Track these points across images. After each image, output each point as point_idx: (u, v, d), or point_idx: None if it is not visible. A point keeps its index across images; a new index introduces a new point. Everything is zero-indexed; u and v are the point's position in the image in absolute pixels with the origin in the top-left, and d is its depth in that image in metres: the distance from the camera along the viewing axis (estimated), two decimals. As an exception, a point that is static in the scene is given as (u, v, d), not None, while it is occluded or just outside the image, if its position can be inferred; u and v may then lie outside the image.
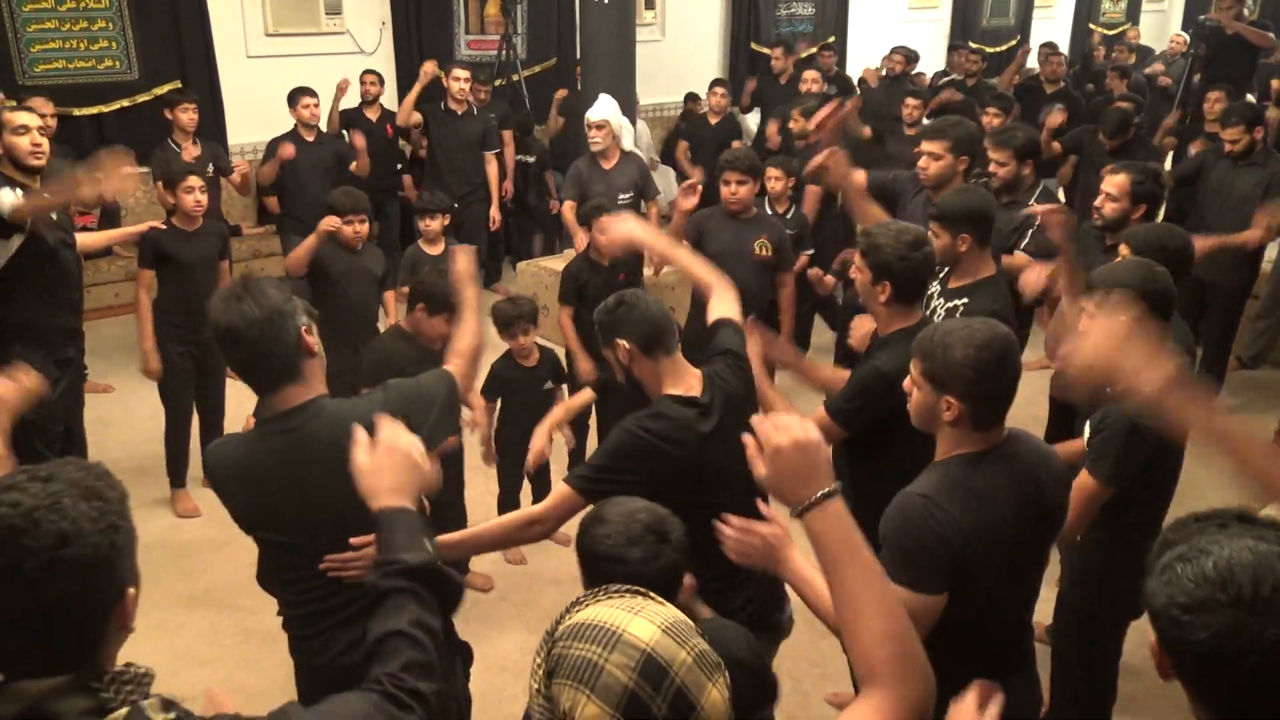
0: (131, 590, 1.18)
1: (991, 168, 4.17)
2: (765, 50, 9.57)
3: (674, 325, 2.42)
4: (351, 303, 4.32)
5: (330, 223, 4.20)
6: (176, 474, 4.48)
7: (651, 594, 1.28)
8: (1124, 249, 3.00)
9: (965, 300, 3.11)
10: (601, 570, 1.70)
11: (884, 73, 8.35)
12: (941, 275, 3.23)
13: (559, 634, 1.21)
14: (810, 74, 7.11)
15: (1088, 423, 2.60)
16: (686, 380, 2.40)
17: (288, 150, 5.88)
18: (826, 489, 1.35)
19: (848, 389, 2.70)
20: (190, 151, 5.73)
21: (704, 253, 4.32)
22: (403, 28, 7.86)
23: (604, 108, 5.30)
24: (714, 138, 7.40)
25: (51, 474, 1.15)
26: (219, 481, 2.16)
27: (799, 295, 4.71)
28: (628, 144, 5.47)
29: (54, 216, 3.73)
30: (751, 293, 4.19)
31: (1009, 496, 1.93)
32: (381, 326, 4.50)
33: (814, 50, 10.25)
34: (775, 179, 4.90)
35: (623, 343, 2.37)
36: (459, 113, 6.50)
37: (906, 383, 2.04)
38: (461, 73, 6.46)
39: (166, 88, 6.73)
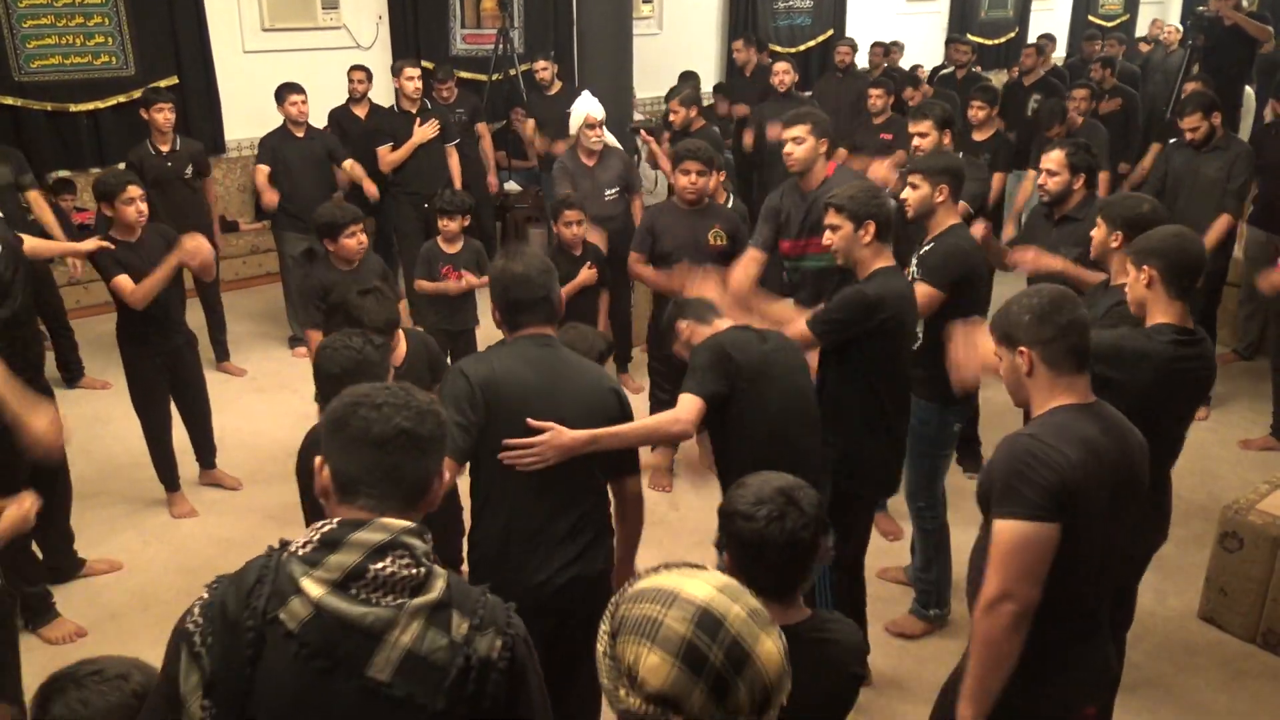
0: (446, 473, 1.53)
1: (915, 141, 4.45)
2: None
3: (713, 303, 2.97)
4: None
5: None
6: (168, 479, 4.44)
7: (703, 566, 1.35)
8: (1100, 222, 3.14)
9: (930, 245, 3.44)
10: (732, 525, 1.81)
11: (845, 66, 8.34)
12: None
13: (621, 600, 1.31)
14: (781, 66, 7.00)
15: None
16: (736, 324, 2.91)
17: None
18: None
19: (832, 306, 3.03)
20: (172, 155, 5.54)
21: (660, 249, 4.38)
22: (399, 22, 7.85)
23: (598, 105, 5.27)
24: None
25: (403, 384, 1.52)
26: (493, 365, 2.40)
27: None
28: (609, 139, 5.44)
29: None
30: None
31: (1108, 448, 2.02)
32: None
33: (812, 44, 10.27)
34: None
35: (682, 324, 2.90)
36: (413, 111, 6.36)
37: (995, 365, 2.17)
38: (411, 71, 6.30)
39: (163, 83, 6.71)
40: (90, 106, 6.73)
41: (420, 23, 7.93)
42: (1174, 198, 5.17)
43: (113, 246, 4.01)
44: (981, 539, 2.11)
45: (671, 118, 6.01)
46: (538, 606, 2.24)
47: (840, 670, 1.84)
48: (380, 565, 1.34)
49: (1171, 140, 5.59)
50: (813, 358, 3.07)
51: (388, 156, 6.28)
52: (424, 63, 7.27)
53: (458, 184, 6.50)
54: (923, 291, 3.30)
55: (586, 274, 4.66)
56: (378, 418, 1.43)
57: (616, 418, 2.47)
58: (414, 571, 1.36)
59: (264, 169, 5.96)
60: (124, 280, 3.98)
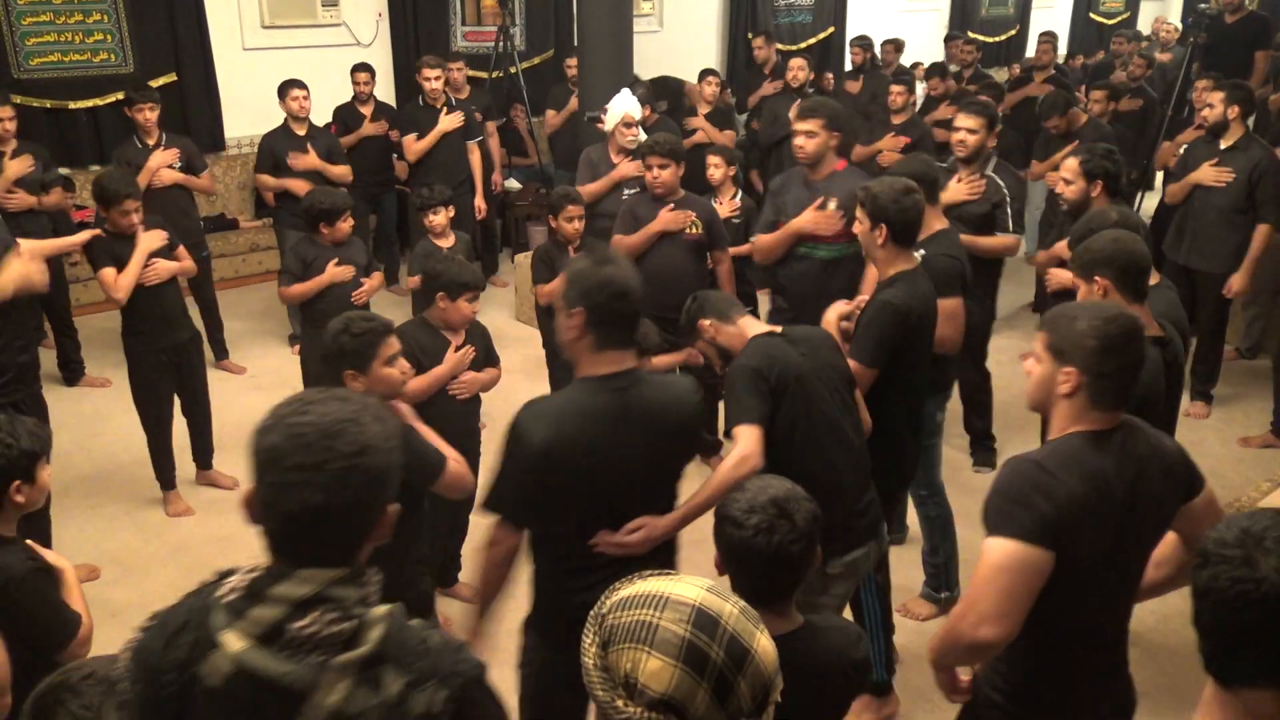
0: (393, 506, 1.34)
1: (960, 135, 4.37)
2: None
3: (736, 299, 2.92)
4: (339, 297, 4.29)
5: (343, 275, 4.24)
6: (165, 477, 4.42)
7: (679, 573, 1.32)
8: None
9: (922, 251, 3.28)
10: (724, 533, 1.76)
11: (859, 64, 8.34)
12: None
13: (606, 610, 1.28)
14: (796, 62, 7.03)
15: None
16: (760, 327, 2.78)
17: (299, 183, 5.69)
18: None
19: (860, 331, 2.96)
20: (162, 155, 5.48)
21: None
22: (399, 19, 7.84)
23: (637, 103, 5.23)
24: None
25: (347, 396, 1.33)
26: (556, 428, 2.14)
27: (741, 277, 4.72)
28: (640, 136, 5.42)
29: None
30: (688, 273, 4.26)
31: (1120, 483, 1.90)
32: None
33: (813, 41, 10.25)
34: (714, 166, 4.90)
35: (705, 322, 2.78)
36: (437, 106, 6.40)
37: (1029, 363, 2.03)
38: (431, 71, 6.33)
39: (162, 80, 6.72)
40: (89, 104, 6.73)
41: (420, 20, 7.92)
42: (1189, 197, 5.13)
43: (104, 236, 4.08)
44: None
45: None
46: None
47: (838, 662, 1.79)
48: (302, 623, 1.23)
49: (1190, 141, 5.53)
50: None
51: (414, 145, 6.31)
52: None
53: (478, 180, 6.52)
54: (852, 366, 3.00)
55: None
56: (288, 486, 1.24)
57: (686, 457, 2.35)
58: (340, 628, 1.24)
59: (265, 178, 5.99)
60: (109, 272, 4.03)
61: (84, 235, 4.11)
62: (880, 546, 2.82)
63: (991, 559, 1.85)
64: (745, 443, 2.46)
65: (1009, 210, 4.33)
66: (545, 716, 2.46)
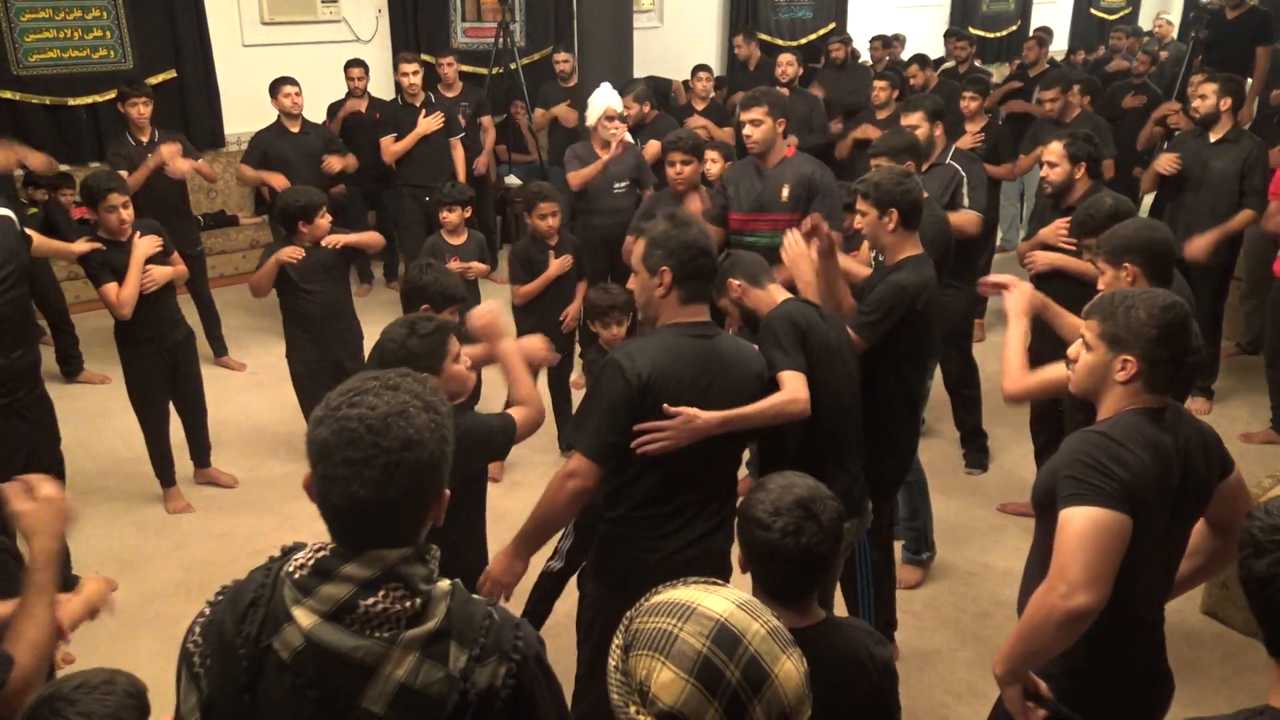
0: (447, 490, 1.36)
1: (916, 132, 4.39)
2: (764, 37, 9.54)
3: (767, 264, 2.90)
4: (319, 297, 4.28)
5: (292, 255, 4.16)
6: (164, 475, 4.39)
7: (722, 583, 1.29)
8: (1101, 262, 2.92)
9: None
10: (747, 532, 1.75)
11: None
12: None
13: (637, 613, 1.26)
14: (785, 58, 6.97)
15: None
16: (788, 296, 2.82)
17: (290, 255, 5.50)
18: None
19: (869, 304, 3.00)
20: (169, 148, 5.35)
21: None
22: (399, 15, 7.83)
23: (618, 97, 5.25)
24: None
25: (397, 384, 1.33)
26: (653, 362, 2.32)
27: None
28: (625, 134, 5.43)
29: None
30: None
31: (1175, 458, 1.95)
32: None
33: (814, 37, 10.23)
34: (712, 161, 4.90)
35: (734, 281, 2.78)
36: (416, 104, 6.36)
37: (1074, 349, 2.07)
38: (408, 66, 6.29)
39: (161, 77, 6.71)
40: (88, 100, 6.72)
41: (420, 16, 7.91)
42: (1180, 189, 5.15)
43: (103, 248, 4.01)
44: (1037, 548, 2.05)
45: (625, 113, 5.97)
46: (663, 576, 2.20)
47: (860, 659, 1.78)
48: (371, 600, 1.27)
49: (1179, 131, 5.54)
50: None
51: (391, 147, 6.28)
52: (424, 56, 7.26)
53: (462, 177, 6.50)
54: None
55: (558, 264, 4.58)
56: (336, 480, 1.27)
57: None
58: (408, 604, 1.28)
59: (246, 169, 5.96)
60: (112, 287, 4.00)
61: (81, 246, 4.02)
62: (863, 523, 2.90)
63: (1077, 527, 1.84)
64: (794, 385, 2.52)
65: (964, 190, 4.44)
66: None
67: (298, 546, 1.36)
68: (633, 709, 1.19)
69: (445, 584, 1.35)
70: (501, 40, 7.67)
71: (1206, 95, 5.03)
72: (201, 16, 6.99)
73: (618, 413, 2.28)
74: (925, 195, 3.47)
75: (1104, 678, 2.01)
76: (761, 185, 4.11)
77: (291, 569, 1.31)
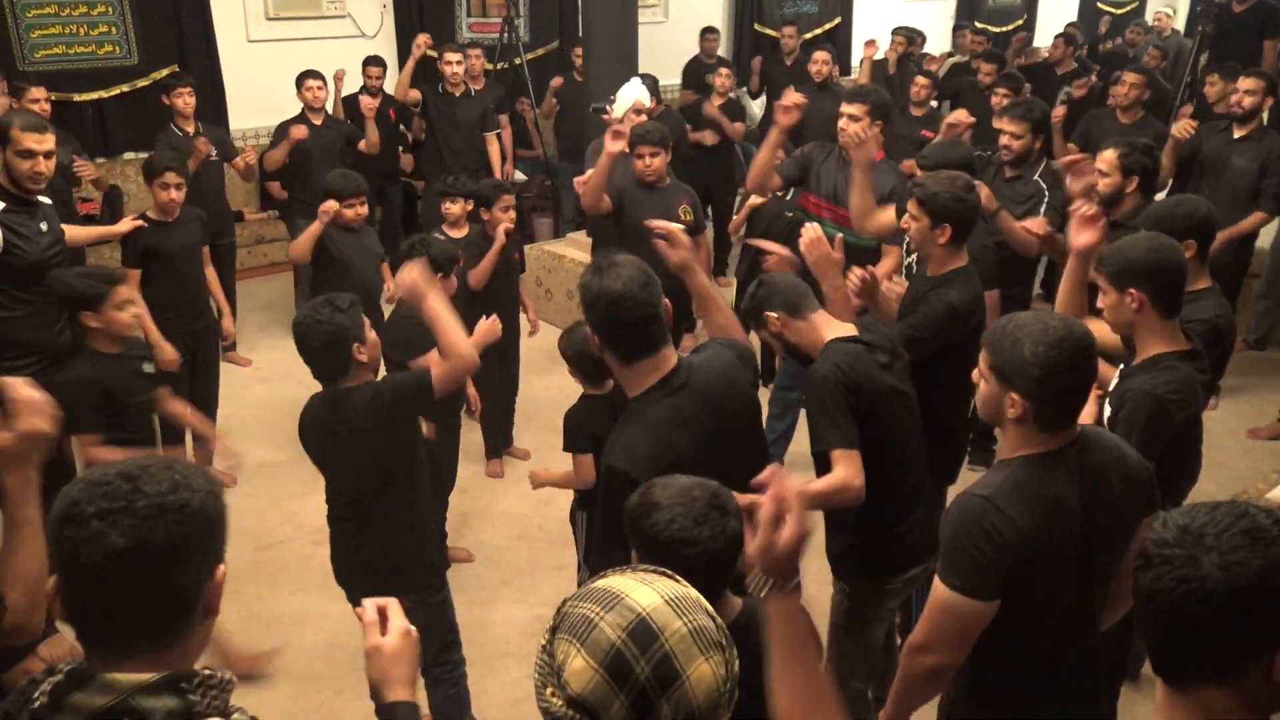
0: (221, 568, 1.21)
1: (1005, 140, 4.26)
2: (770, 31, 9.51)
3: (808, 288, 2.65)
4: (357, 282, 4.29)
5: (329, 206, 4.23)
6: None
7: (676, 576, 1.28)
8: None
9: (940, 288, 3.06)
10: (670, 554, 1.62)
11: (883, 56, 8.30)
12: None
13: (574, 594, 1.25)
14: (820, 55, 6.98)
15: (1106, 402, 2.52)
16: (841, 328, 2.58)
17: (300, 131, 5.81)
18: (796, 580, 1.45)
19: (920, 321, 2.89)
20: (202, 145, 5.46)
21: (627, 222, 4.39)
22: (404, 11, 7.81)
23: (646, 91, 5.22)
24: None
25: (172, 461, 1.21)
26: (653, 458, 2.08)
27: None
28: None
29: (43, 227, 3.51)
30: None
31: (1077, 502, 1.85)
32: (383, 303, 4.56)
33: (819, 31, 10.20)
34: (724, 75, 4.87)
35: (772, 314, 2.58)
36: (456, 94, 6.46)
37: (976, 372, 1.96)
38: (453, 56, 6.39)
39: (166, 72, 6.70)
40: (94, 96, 6.71)
41: (425, 11, 7.90)
42: (1199, 182, 5.10)
43: (146, 225, 4.17)
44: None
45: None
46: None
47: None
48: None
49: (1205, 123, 5.46)
50: None
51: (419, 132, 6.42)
52: (430, 51, 7.26)
53: (497, 173, 6.53)
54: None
55: (501, 234, 4.50)
56: (87, 537, 1.08)
57: (758, 410, 2.42)
58: None
59: (272, 153, 6.02)
60: (133, 275, 4.05)
61: (125, 224, 4.20)
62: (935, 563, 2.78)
63: (935, 600, 1.90)
64: (846, 470, 2.38)
65: (1043, 203, 4.20)
66: None
67: (59, 667, 1.15)
68: (549, 690, 1.18)
69: None
70: (506, 35, 7.66)
71: (1254, 91, 4.93)
72: (206, 12, 6.98)
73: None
74: (998, 208, 3.41)
75: (1012, 711, 1.98)
76: (843, 178, 4.08)
77: (37, 695, 1.11)
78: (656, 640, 1.15)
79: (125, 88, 6.75)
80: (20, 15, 6.34)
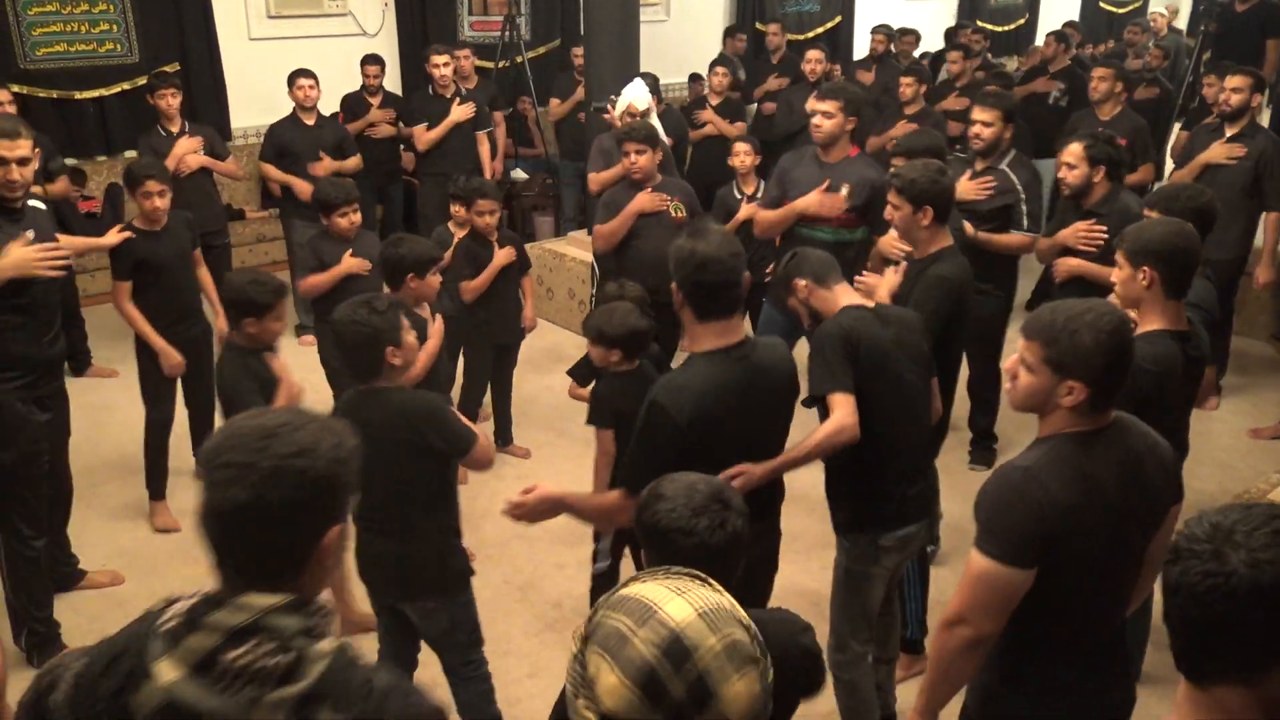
0: (338, 528, 1.28)
1: (975, 129, 4.34)
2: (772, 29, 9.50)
3: (836, 262, 2.84)
4: (356, 291, 4.23)
5: (358, 266, 4.14)
6: (155, 485, 4.28)
7: (709, 580, 1.28)
8: (1148, 212, 3.20)
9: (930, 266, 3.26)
10: (668, 544, 1.67)
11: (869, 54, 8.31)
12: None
13: (605, 602, 1.24)
14: (814, 54, 6.99)
15: None
16: (857, 299, 2.78)
17: (303, 189, 5.69)
18: None
19: (917, 306, 3.03)
20: (187, 143, 5.50)
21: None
22: (405, 9, 7.81)
23: (644, 94, 5.21)
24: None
25: (306, 411, 1.29)
26: (697, 404, 2.31)
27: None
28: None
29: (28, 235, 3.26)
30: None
31: (1115, 480, 1.91)
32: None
33: (820, 30, 10.20)
34: (745, 154, 4.89)
35: (800, 282, 2.74)
36: (446, 96, 6.41)
37: (1011, 363, 2.00)
38: (440, 58, 6.33)
39: (167, 70, 6.70)
40: (95, 94, 6.73)
41: (427, 9, 7.90)
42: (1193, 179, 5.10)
43: (134, 235, 4.00)
44: None
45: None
46: None
47: (787, 648, 1.74)
48: (236, 654, 1.16)
49: (1200, 123, 5.49)
50: None
51: (425, 135, 6.33)
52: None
53: (488, 172, 6.52)
54: None
55: (503, 254, 4.52)
56: (215, 484, 1.20)
57: (793, 405, 2.54)
58: (276, 661, 1.16)
59: (271, 168, 5.97)
60: (124, 287, 3.98)
61: (112, 237, 4.01)
62: (933, 526, 2.94)
63: (972, 572, 1.92)
64: (842, 411, 2.53)
65: (1023, 208, 4.29)
66: None
67: (179, 597, 1.25)
68: (581, 702, 1.18)
69: (328, 644, 1.23)
70: (508, 34, 7.66)
71: (1240, 89, 4.95)
72: (208, 10, 6.99)
73: (667, 454, 2.24)
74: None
75: (1041, 689, 2.01)
76: (819, 177, 4.11)
77: (165, 619, 1.21)
78: (690, 659, 1.15)
79: (126, 86, 6.76)
80: (22, 14, 6.35)
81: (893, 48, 8.40)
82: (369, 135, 6.60)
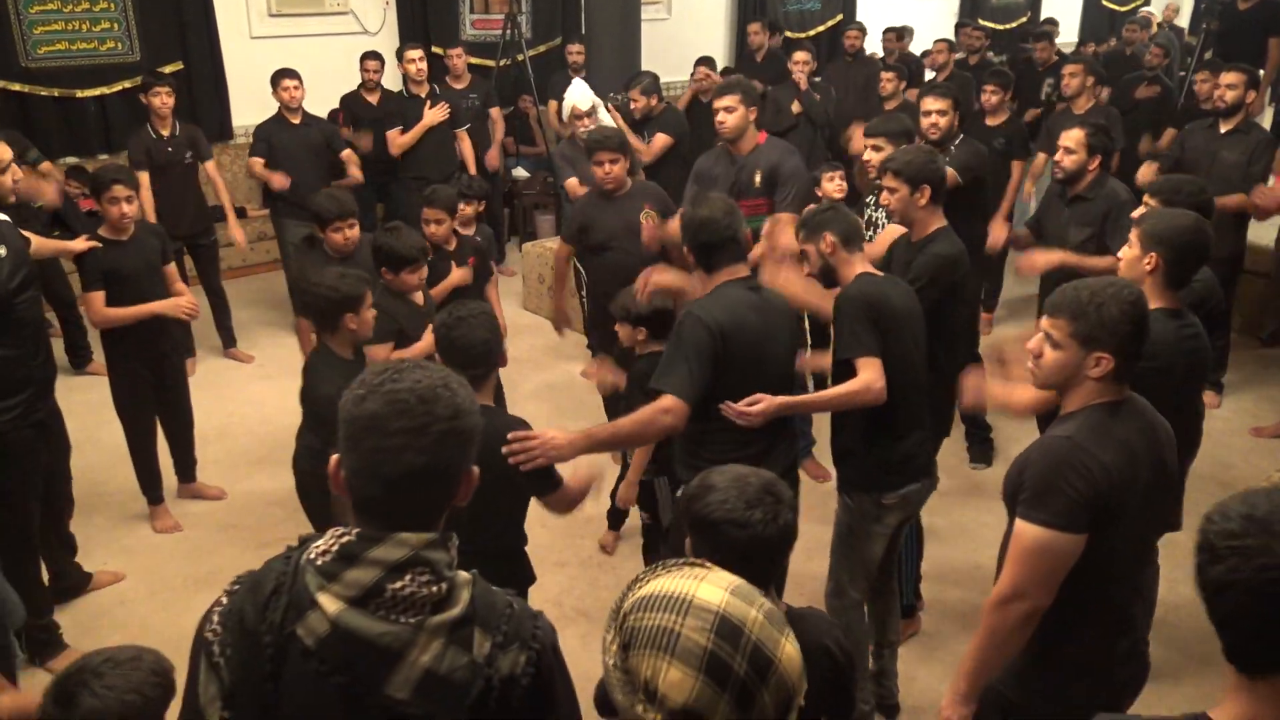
0: (475, 469, 1.38)
1: (931, 119, 4.39)
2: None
3: (864, 231, 3.05)
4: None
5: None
6: (151, 491, 4.23)
7: (708, 564, 1.30)
8: (1149, 199, 3.27)
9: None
10: (720, 535, 1.68)
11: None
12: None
13: (627, 608, 1.25)
14: (800, 55, 6.90)
15: None
16: (869, 266, 2.92)
17: (281, 181, 5.71)
18: None
19: (913, 273, 3.14)
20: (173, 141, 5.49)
21: (594, 239, 4.38)
22: (406, 7, 7.81)
23: (587, 94, 5.21)
24: (707, 117, 7.30)
25: (427, 366, 1.37)
26: (727, 312, 2.66)
27: None
28: (608, 123, 5.37)
29: None
30: (650, 262, 4.14)
31: (1143, 445, 2.00)
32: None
33: (822, 29, 10.19)
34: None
35: (831, 236, 2.83)
36: (422, 95, 6.37)
37: (1035, 343, 2.06)
38: (413, 54, 6.30)
39: (169, 69, 6.70)
40: (96, 92, 6.74)
41: (428, 8, 7.90)
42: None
43: (100, 245, 3.83)
44: (1007, 539, 2.09)
45: (632, 106, 5.92)
46: None
47: (822, 645, 1.78)
48: (399, 584, 1.27)
49: (1192, 121, 5.48)
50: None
51: (398, 140, 6.30)
52: (434, 48, 7.25)
53: (471, 169, 6.50)
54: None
55: (456, 275, 4.25)
56: (389, 450, 1.28)
57: (797, 345, 2.90)
58: (434, 589, 1.29)
59: (257, 161, 5.91)
60: (97, 296, 3.81)
61: (78, 244, 3.84)
62: (932, 485, 3.00)
63: (1025, 542, 1.95)
64: (870, 373, 2.69)
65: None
66: None
67: (314, 535, 1.36)
68: (640, 707, 1.18)
69: (465, 573, 1.36)
70: (509, 32, 7.66)
71: (1235, 85, 4.97)
72: (209, 8, 6.99)
73: (703, 358, 2.57)
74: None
75: (1073, 659, 2.06)
76: (735, 172, 4.18)
77: (313, 555, 1.31)
78: (742, 633, 1.19)
79: (128, 84, 6.75)
80: (23, 12, 6.35)
81: (866, 46, 8.34)
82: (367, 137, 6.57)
